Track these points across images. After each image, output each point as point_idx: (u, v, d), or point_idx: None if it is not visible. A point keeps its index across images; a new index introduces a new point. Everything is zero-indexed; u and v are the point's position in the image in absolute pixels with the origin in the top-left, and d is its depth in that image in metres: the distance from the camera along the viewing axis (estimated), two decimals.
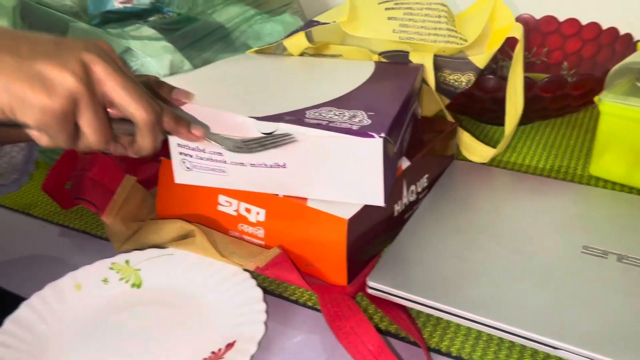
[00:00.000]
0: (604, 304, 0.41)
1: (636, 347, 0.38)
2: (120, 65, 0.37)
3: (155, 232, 0.52)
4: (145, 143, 0.40)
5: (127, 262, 0.51)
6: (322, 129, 0.44)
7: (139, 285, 0.50)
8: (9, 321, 0.44)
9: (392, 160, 0.47)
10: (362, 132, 0.43)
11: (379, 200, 0.45)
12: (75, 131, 0.36)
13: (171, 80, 0.48)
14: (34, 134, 0.36)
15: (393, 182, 0.49)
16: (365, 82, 0.54)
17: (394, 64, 0.60)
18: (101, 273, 0.50)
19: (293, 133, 0.44)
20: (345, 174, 0.45)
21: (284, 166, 0.46)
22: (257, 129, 0.45)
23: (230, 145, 0.46)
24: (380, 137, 0.42)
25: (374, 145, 0.43)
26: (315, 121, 0.44)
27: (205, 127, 0.46)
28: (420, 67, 0.59)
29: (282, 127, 0.44)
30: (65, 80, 0.34)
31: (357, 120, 0.45)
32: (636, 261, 0.45)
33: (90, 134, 0.36)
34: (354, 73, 0.56)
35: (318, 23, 0.61)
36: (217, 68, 0.58)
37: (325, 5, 1.02)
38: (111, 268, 0.50)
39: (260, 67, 0.59)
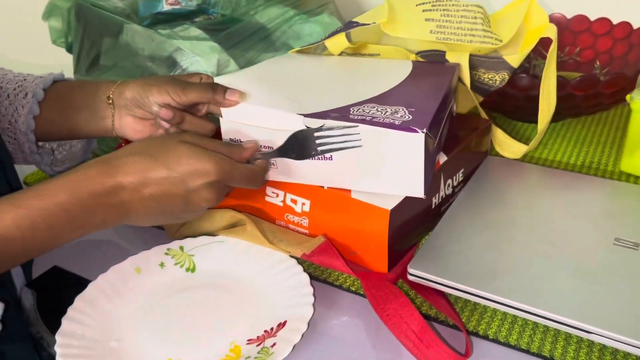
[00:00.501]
0: (634, 292, 0.44)
1: None
2: (229, 175, 0.47)
3: (208, 220, 0.56)
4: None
5: (181, 248, 0.55)
6: (367, 124, 0.47)
7: (193, 270, 0.53)
8: (78, 299, 0.48)
9: (432, 154, 0.49)
10: (405, 127, 0.46)
11: (419, 192, 0.48)
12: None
13: (221, 80, 0.52)
14: None
15: (432, 176, 0.51)
16: (404, 80, 0.57)
17: (431, 63, 0.63)
18: (158, 258, 0.54)
19: (340, 127, 0.47)
20: (388, 167, 0.48)
21: (330, 159, 0.49)
22: (305, 125, 0.48)
23: (294, 156, 0.50)
24: (423, 132, 0.45)
25: (417, 140, 0.46)
26: (360, 117, 0.47)
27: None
28: (456, 66, 0.61)
29: (328, 123, 0.48)
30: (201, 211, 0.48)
31: (398, 115, 0.48)
32: None
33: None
34: (393, 72, 0.59)
35: (358, 24, 0.64)
36: (264, 68, 0.61)
37: (359, 5, 1.04)
38: (167, 253, 0.54)
39: (304, 67, 0.62)
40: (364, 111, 0.49)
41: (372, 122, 0.47)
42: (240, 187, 0.48)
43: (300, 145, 0.49)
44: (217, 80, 0.52)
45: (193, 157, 0.45)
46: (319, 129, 0.48)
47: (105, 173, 0.43)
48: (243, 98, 0.50)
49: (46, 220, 0.41)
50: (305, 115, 0.48)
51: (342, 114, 0.48)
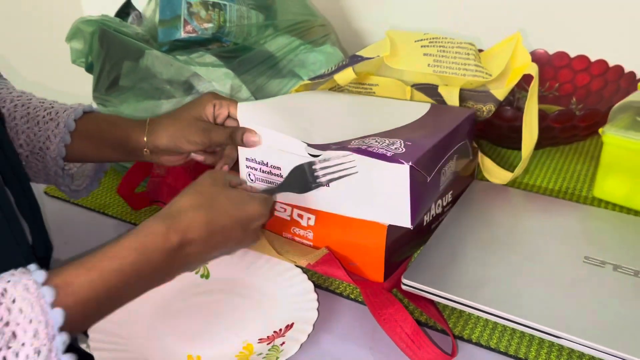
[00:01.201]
0: (599, 303, 0.50)
1: (624, 339, 0.46)
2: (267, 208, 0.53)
3: None
4: None
5: None
6: (359, 153, 0.51)
7: (207, 276, 0.59)
8: None
9: (425, 186, 0.53)
10: (394, 159, 0.50)
11: (406, 222, 0.52)
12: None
13: (244, 106, 0.58)
14: None
15: (427, 208, 0.56)
16: (417, 120, 0.61)
17: (448, 107, 0.68)
18: None
19: (333, 156, 0.52)
20: (379, 197, 0.52)
21: (327, 185, 0.54)
22: (306, 152, 0.54)
23: (298, 191, 0.55)
24: (408, 164, 0.49)
25: (402, 171, 0.50)
26: (355, 146, 0.52)
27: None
28: (471, 111, 0.65)
29: (326, 154, 0.53)
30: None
31: (393, 147, 0.52)
32: (629, 270, 0.54)
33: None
34: (408, 112, 0.64)
35: (362, 58, 0.70)
36: (285, 99, 0.66)
37: (357, 36, 1.12)
38: None
39: (323, 102, 0.67)
40: (362, 142, 0.53)
41: (364, 152, 0.51)
42: None
43: (300, 180, 0.54)
44: (240, 106, 0.58)
45: (247, 203, 0.50)
46: (319, 160, 0.53)
47: (172, 231, 0.45)
48: (259, 139, 0.56)
49: (120, 280, 0.42)
50: (309, 145, 0.54)
51: (341, 144, 0.53)
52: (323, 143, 0.54)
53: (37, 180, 0.64)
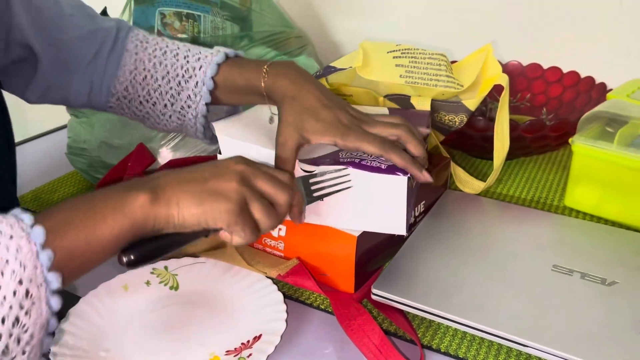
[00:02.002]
0: (566, 311, 0.50)
1: (591, 347, 0.46)
2: (257, 165, 0.48)
3: None
4: (282, 212, 0.49)
5: (165, 268, 0.59)
6: (355, 167, 0.52)
7: (176, 288, 0.58)
8: (71, 314, 0.52)
9: (412, 193, 0.54)
10: (391, 170, 0.51)
11: (401, 230, 0.53)
12: (255, 224, 0.46)
13: (218, 125, 0.57)
14: (226, 236, 0.46)
15: (412, 212, 0.56)
16: None
17: (404, 110, 0.69)
18: (144, 276, 0.58)
19: (328, 172, 0.52)
20: (374, 207, 0.53)
21: (321, 199, 0.53)
22: (300, 168, 0.54)
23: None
24: (406, 175, 0.51)
25: (400, 182, 0.51)
26: (349, 159, 0.53)
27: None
28: (428, 113, 0.67)
29: (320, 168, 0.53)
30: (233, 187, 0.45)
31: (383, 159, 0.52)
32: (595, 278, 0.54)
33: (262, 218, 0.46)
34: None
35: (335, 69, 0.71)
36: (260, 112, 0.64)
37: (336, 48, 1.12)
38: (152, 272, 0.59)
39: None
40: (351, 154, 0.54)
41: (360, 166, 0.52)
42: (268, 188, 0.47)
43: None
44: (216, 125, 0.57)
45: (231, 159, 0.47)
46: (313, 175, 0.53)
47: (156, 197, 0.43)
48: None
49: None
50: (301, 161, 0.54)
51: (332, 158, 0.54)
52: (312, 157, 0.54)
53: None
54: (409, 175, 0.50)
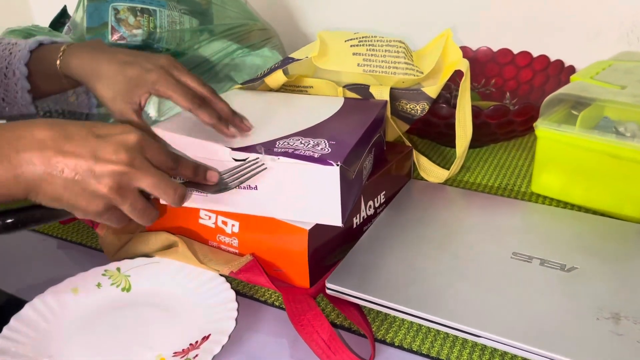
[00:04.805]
0: (524, 300, 0.49)
1: (548, 335, 0.45)
2: (140, 159, 0.46)
3: (144, 243, 0.59)
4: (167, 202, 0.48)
5: (118, 269, 0.58)
6: (288, 156, 0.50)
7: (128, 289, 0.56)
8: (14, 319, 0.51)
9: (352, 183, 0.53)
10: (322, 160, 0.50)
11: (337, 220, 0.52)
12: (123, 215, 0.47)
13: (158, 129, 0.55)
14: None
15: (354, 204, 0.55)
16: (333, 115, 0.61)
17: (361, 100, 0.68)
18: (95, 279, 0.57)
19: (263, 160, 0.51)
20: (309, 197, 0.51)
21: (255, 188, 0.53)
22: (231, 157, 0.52)
23: (212, 190, 0.51)
24: (337, 164, 0.49)
25: (332, 172, 0.50)
26: (283, 149, 0.51)
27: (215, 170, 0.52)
28: (383, 102, 0.66)
29: (252, 156, 0.51)
30: (104, 193, 0.44)
31: (319, 148, 0.51)
32: (554, 265, 0.52)
33: (133, 216, 0.47)
34: (324, 107, 0.64)
35: (293, 60, 0.69)
36: None
37: (303, 37, 1.11)
38: (104, 274, 0.57)
39: (243, 103, 0.66)
40: (288, 144, 0.52)
41: (292, 155, 0.50)
42: (153, 178, 0.45)
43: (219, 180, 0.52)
44: (154, 128, 0.55)
45: (117, 123, 0.47)
46: (243, 162, 0.51)
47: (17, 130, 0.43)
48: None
49: None
50: (232, 149, 0.52)
51: (267, 147, 0.52)
52: (246, 145, 0.53)
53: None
54: (340, 163, 0.49)
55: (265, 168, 0.51)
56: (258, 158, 0.51)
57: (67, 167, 0.43)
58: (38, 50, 0.64)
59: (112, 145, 0.44)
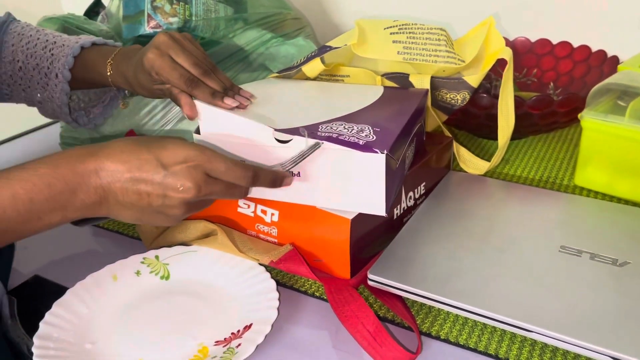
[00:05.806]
0: (574, 294, 0.47)
1: (597, 331, 0.43)
2: (209, 182, 0.47)
3: (182, 231, 0.59)
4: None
5: (156, 257, 0.58)
6: (332, 141, 0.49)
7: (167, 278, 0.56)
8: (56, 305, 0.51)
9: (395, 173, 0.52)
10: (368, 148, 0.48)
11: (381, 210, 0.51)
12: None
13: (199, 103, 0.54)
14: None
15: (396, 194, 0.54)
16: (374, 103, 0.60)
17: (400, 88, 0.66)
18: (134, 266, 0.57)
19: (307, 145, 0.50)
20: (352, 185, 0.50)
21: (298, 175, 0.52)
22: (274, 137, 0.51)
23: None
24: (384, 153, 0.48)
25: (378, 160, 0.48)
26: (327, 134, 0.50)
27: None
28: (424, 91, 0.65)
29: (296, 139, 0.51)
30: (177, 214, 0.47)
31: (363, 135, 0.50)
32: (605, 259, 0.51)
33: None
34: (365, 95, 0.62)
35: (331, 48, 0.68)
36: (247, 89, 0.64)
37: (335, 27, 1.09)
38: (143, 262, 0.57)
39: (280, 90, 0.65)
40: (331, 128, 0.51)
41: (337, 140, 0.49)
42: (222, 193, 0.47)
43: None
44: (196, 102, 0.55)
45: (180, 145, 0.45)
46: (288, 144, 0.51)
47: (89, 154, 0.44)
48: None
49: (27, 190, 0.41)
50: (276, 130, 0.51)
51: (310, 130, 0.51)
52: (288, 127, 0.51)
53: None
54: (387, 152, 0.48)
55: (319, 146, 0.49)
56: (320, 144, 0.49)
57: (140, 198, 0.45)
58: (81, 56, 0.64)
59: (179, 180, 0.45)
